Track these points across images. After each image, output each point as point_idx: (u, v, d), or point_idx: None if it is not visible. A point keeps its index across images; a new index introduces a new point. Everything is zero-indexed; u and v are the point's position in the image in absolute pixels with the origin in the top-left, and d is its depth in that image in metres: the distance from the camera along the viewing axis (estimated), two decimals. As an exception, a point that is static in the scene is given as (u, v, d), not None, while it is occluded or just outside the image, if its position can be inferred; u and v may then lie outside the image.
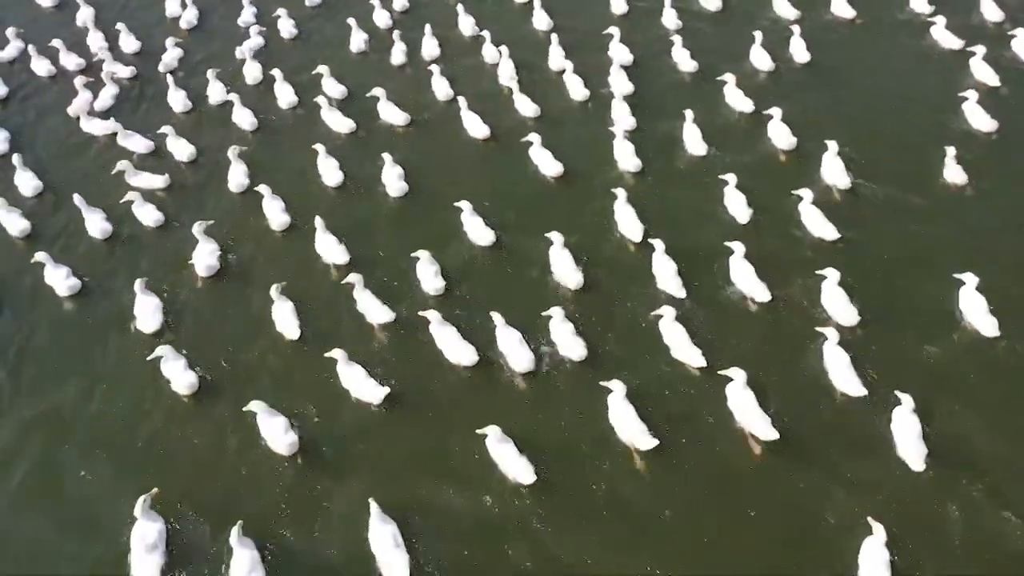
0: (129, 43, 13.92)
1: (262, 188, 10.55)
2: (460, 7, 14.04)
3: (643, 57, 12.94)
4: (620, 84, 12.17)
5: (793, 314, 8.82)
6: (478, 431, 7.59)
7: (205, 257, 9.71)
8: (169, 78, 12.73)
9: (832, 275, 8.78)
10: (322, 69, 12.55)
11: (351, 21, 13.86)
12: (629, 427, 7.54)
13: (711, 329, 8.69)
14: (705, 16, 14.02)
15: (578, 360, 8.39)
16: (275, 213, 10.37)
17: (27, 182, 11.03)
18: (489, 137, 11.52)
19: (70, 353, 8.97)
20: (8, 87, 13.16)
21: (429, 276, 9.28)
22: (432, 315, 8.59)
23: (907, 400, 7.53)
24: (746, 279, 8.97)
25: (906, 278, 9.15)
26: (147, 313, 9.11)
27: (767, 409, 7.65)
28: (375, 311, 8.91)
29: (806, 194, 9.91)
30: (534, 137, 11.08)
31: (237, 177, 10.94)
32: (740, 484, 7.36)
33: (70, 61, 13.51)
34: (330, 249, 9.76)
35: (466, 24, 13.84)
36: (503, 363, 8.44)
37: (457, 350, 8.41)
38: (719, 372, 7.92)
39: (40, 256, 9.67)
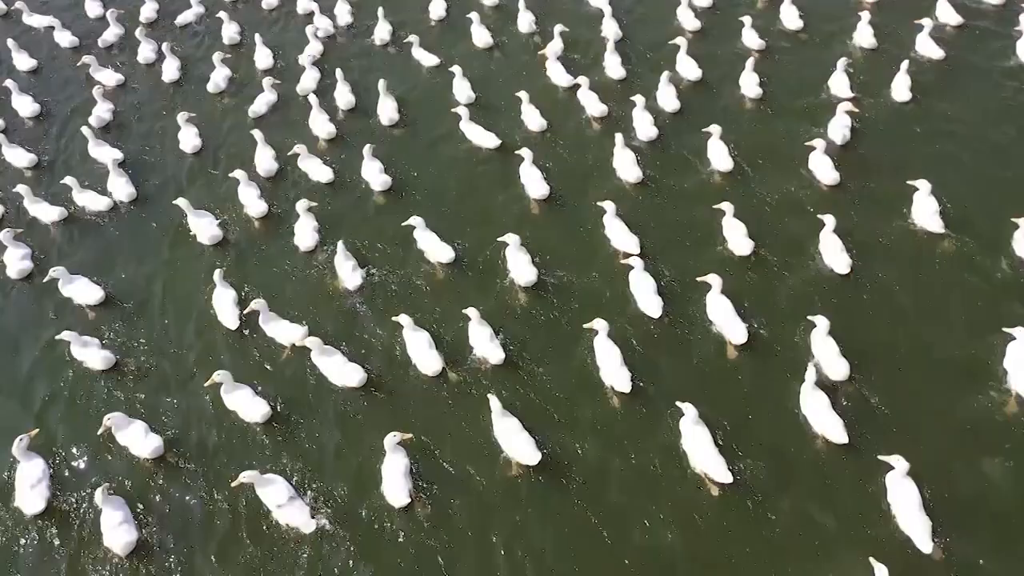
0: (186, 16, 14.14)
1: (237, 174, 10.35)
2: (522, 3, 13.32)
3: (712, 75, 11.81)
4: (667, 98, 11.22)
5: (771, 353, 8.16)
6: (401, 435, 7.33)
7: (207, 227, 9.81)
8: (217, 56, 12.68)
9: (821, 323, 8.02)
10: (337, 74, 12.12)
11: (380, 11, 13.40)
12: (511, 441, 7.30)
13: (678, 359, 8.18)
14: (790, 36, 12.57)
15: (496, 364, 8.09)
16: (251, 200, 10.17)
17: (19, 156, 11.30)
18: (498, 147, 10.80)
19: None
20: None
21: (347, 270, 9.03)
22: (312, 342, 8.14)
23: (900, 464, 6.79)
24: (723, 316, 8.32)
25: (943, 334, 8.20)
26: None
27: (724, 448, 7.18)
28: (284, 332, 8.57)
29: (829, 220, 9.06)
30: (526, 153, 10.23)
31: (265, 162, 10.74)
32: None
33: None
34: (305, 234, 9.58)
35: (524, 21, 13.15)
36: (412, 367, 8.23)
37: (342, 372, 8.07)
38: (677, 403, 7.39)
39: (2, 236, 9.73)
